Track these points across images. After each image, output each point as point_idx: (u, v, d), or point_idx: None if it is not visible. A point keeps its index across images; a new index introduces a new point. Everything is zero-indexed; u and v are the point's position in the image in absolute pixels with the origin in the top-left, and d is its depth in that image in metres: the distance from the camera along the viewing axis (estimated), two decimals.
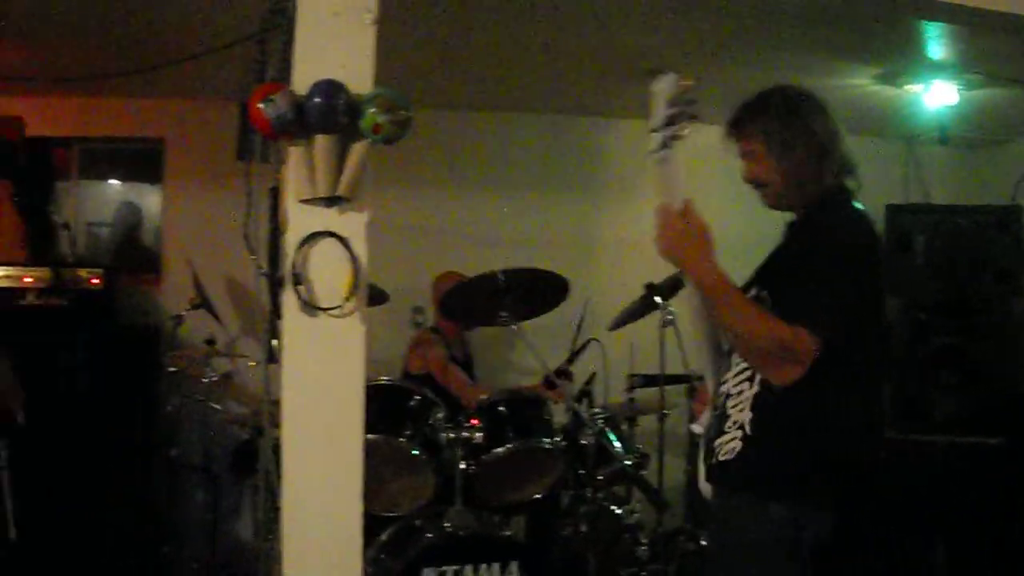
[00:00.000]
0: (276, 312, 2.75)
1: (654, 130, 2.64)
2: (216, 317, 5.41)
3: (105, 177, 6.37)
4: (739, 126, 2.83)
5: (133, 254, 6.28)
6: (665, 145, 2.64)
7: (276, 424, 3.91)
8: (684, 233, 2.69)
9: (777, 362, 2.62)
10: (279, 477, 2.76)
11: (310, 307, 2.65)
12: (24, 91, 5.82)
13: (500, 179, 6.52)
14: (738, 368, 2.81)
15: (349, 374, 2.74)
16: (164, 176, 6.31)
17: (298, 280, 2.65)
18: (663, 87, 2.62)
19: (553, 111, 6.48)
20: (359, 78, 2.73)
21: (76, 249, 6.06)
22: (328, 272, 2.68)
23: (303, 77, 2.72)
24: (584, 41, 4.82)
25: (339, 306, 2.66)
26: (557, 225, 6.47)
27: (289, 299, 2.68)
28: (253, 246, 2.81)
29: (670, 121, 2.61)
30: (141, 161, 6.36)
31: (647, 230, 2.78)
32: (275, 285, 2.74)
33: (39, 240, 6.02)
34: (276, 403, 4.13)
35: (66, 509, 4.99)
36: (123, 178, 6.40)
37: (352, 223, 2.69)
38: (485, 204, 6.48)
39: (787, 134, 2.76)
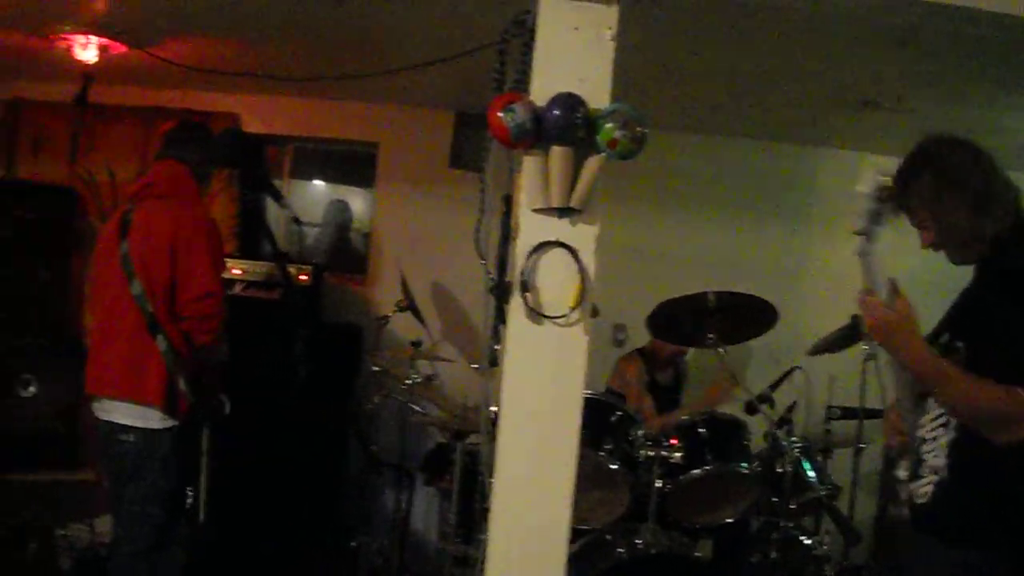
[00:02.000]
0: (501, 318, 2.98)
1: (859, 230, 2.83)
2: (421, 320, 5.76)
3: (316, 178, 6.88)
4: (900, 200, 2.94)
5: (340, 254, 6.75)
6: (868, 239, 2.81)
7: (479, 429, 4.21)
8: (890, 322, 2.86)
9: (1000, 425, 2.73)
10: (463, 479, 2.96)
11: (536, 315, 2.89)
12: (241, 89, 6.39)
13: (710, 202, 6.67)
14: (934, 413, 2.95)
15: (569, 384, 2.96)
16: (376, 180, 6.76)
17: (526, 287, 2.89)
18: (866, 186, 2.80)
19: (766, 137, 6.59)
20: (596, 92, 2.94)
21: (288, 245, 6.57)
22: (555, 281, 2.91)
23: (541, 88, 2.96)
24: (803, 69, 4.91)
25: (564, 315, 2.89)
26: (764, 251, 6.58)
27: (515, 306, 2.92)
28: (483, 252, 3.04)
29: (874, 218, 2.79)
30: (353, 164, 6.84)
31: (854, 261, 2.94)
32: (502, 291, 2.97)
33: (251, 233, 6.60)
34: (474, 409, 4.44)
35: (260, 496, 5.47)
36: (334, 180, 6.90)
37: (582, 235, 2.92)
38: (694, 226, 6.65)
39: (945, 197, 2.89)
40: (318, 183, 6.86)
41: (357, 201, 6.83)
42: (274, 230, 6.59)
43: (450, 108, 6.43)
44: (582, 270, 2.90)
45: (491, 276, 3.05)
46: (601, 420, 4.61)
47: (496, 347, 3.07)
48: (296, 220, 6.26)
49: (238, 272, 5.76)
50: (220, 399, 4.28)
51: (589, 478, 4.50)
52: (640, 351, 5.79)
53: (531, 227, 2.93)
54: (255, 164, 4.04)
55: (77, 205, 6.39)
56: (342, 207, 6.78)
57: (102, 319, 4.23)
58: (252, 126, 6.44)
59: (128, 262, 4.07)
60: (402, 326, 5.90)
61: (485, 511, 3.14)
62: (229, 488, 4.75)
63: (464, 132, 6.46)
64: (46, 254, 6.14)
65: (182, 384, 4.02)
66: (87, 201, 6.51)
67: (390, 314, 5.82)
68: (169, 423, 4.04)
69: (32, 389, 5.82)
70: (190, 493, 4.23)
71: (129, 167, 6.51)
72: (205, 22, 4.95)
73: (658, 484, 4.49)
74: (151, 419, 4.03)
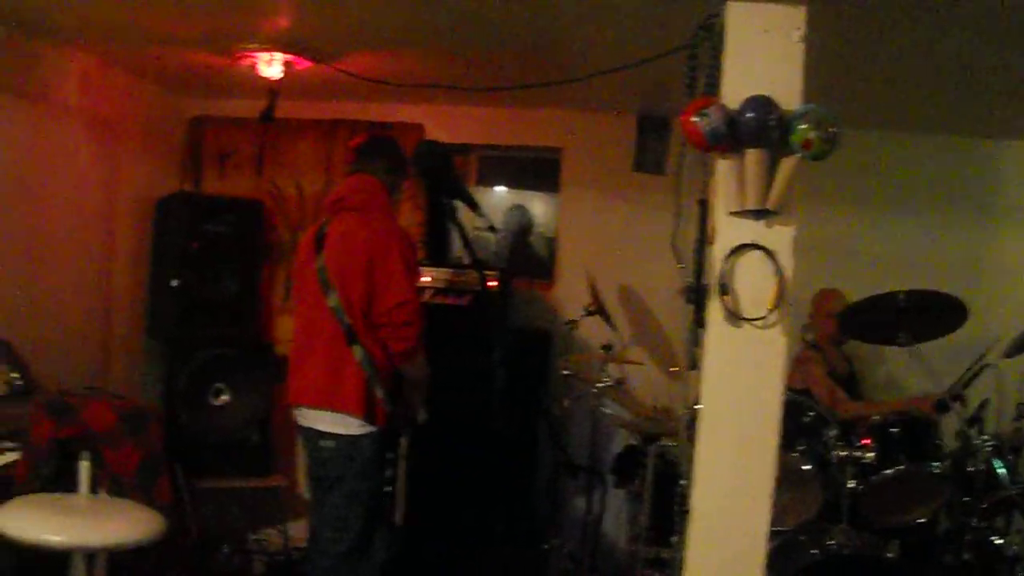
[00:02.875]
0: (699, 321, 3.11)
1: None
2: (611, 324, 5.87)
3: (501, 184, 7.06)
4: None
5: (521, 258, 6.92)
6: None
7: (670, 432, 4.33)
8: None
9: None
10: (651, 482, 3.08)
11: (735, 317, 3.01)
12: (425, 99, 6.58)
13: (897, 199, 6.60)
14: None
15: (768, 385, 3.07)
16: (560, 185, 6.91)
17: (724, 290, 3.01)
18: None
19: (952, 132, 6.50)
20: (787, 94, 3.05)
21: (467, 252, 6.75)
22: (753, 284, 3.02)
23: (732, 92, 3.07)
24: (1000, 60, 4.85)
25: (763, 317, 3.00)
26: (951, 248, 6.49)
27: (714, 309, 3.04)
28: (680, 256, 3.17)
29: None
30: (536, 170, 7.01)
31: None
32: (700, 295, 3.09)
33: (438, 241, 6.81)
34: (665, 411, 4.54)
35: (455, 499, 5.68)
36: (518, 186, 7.07)
37: (779, 237, 3.03)
38: (881, 223, 6.61)
39: None
40: (499, 189, 7.04)
41: (538, 206, 7.00)
42: (452, 237, 6.84)
43: (632, 112, 6.54)
44: (779, 272, 2.99)
45: (689, 280, 3.16)
46: (794, 420, 4.65)
47: (695, 349, 3.17)
48: (492, 228, 6.44)
49: (427, 279, 5.95)
50: (417, 408, 4.49)
51: (782, 479, 4.57)
52: (813, 345, 5.83)
53: (727, 230, 3.05)
54: (451, 173, 4.21)
55: (265, 217, 6.70)
56: (522, 212, 6.96)
57: (301, 332, 4.47)
58: (436, 136, 6.58)
59: (324, 275, 4.29)
60: (590, 330, 6.04)
61: (682, 513, 3.24)
62: (426, 491, 4.96)
63: (646, 136, 6.56)
64: (236, 266, 6.43)
65: (379, 392, 4.23)
66: (274, 213, 6.84)
67: (578, 318, 5.94)
68: (368, 429, 4.24)
69: (225, 398, 6.10)
70: (389, 496, 4.42)
71: (315, 179, 6.82)
72: (388, 35, 5.13)
73: (851, 484, 4.54)
74: (351, 426, 4.24)
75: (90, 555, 3.92)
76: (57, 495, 4.17)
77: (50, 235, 5.72)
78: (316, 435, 4.32)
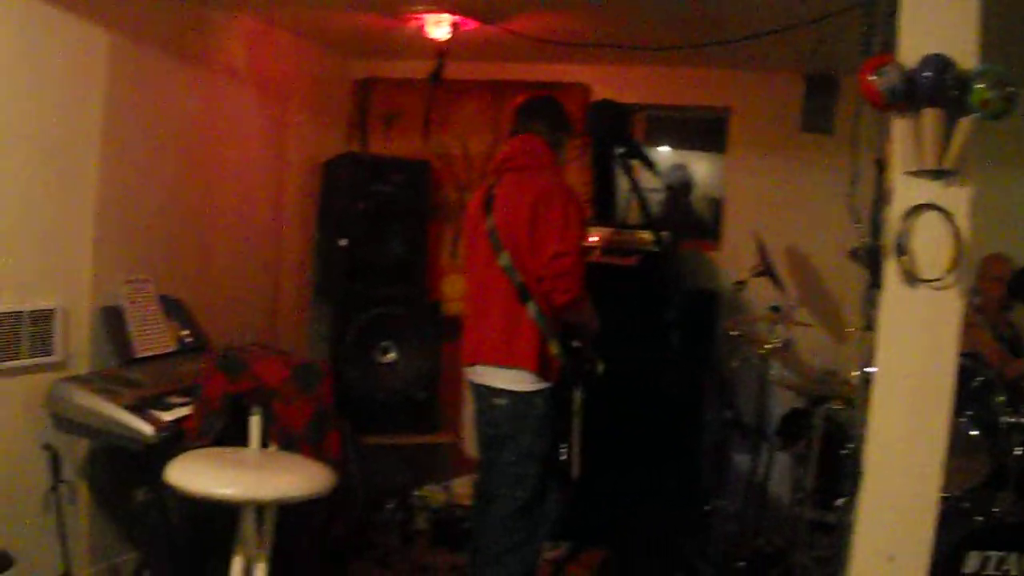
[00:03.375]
0: (875, 282, 3.12)
1: None
2: (779, 285, 5.86)
3: (667, 144, 7.04)
4: None
5: (684, 219, 6.92)
6: None
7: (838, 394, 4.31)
8: None
9: None
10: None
11: (911, 278, 3.01)
12: (590, 60, 6.60)
13: None
14: None
15: (943, 347, 3.06)
16: (727, 145, 6.89)
17: (901, 251, 3.01)
18: None
19: None
20: (964, 53, 3.01)
21: (642, 212, 6.79)
22: (930, 245, 3.01)
23: (908, 50, 3.05)
24: None
25: (939, 279, 2.99)
26: None
27: (890, 270, 3.05)
28: (856, 216, 3.18)
29: None
30: (703, 130, 6.99)
31: None
32: (876, 256, 3.09)
33: (605, 200, 6.85)
34: (832, 373, 4.52)
35: (623, 457, 5.71)
36: (684, 146, 7.04)
37: (956, 197, 3.01)
38: None
39: None
40: (663, 149, 7.03)
41: (702, 166, 6.99)
42: (618, 197, 6.89)
43: (799, 71, 6.49)
44: (957, 233, 2.98)
45: (863, 240, 3.17)
46: (962, 385, 4.58)
47: (870, 311, 3.18)
48: (669, 187, 6.48)
49: (594, 239, 5.99)
50: (591, 361, 4.55)
51: (949, 444, 4.54)
52: (977, 309, 5.73)
53: (904, 190, 3.04)
54: (626, 132, 4.26)
55: (432, 178, 6.82)
56: (683, 171, 6.96)
57: (475, 293, 4.60)
58: (601, 95, 6.57)
59: (495, 235, 4.40)
60: (756, 291, 6.05)
61: (854, 475, 3.25)
62: (595, 448, 5.03)
63: (814, 95, 6.50)
64: (403, 226, 6.57)
65: (553, 348, 4.31)
66: (441, 174, 6.97)
67: (746, 279, 5.96)
68: (541, 385, 4.34)
69: (391, 355, 6.26)
70: (563, 451, 4.49)
71: (482, 140, 6.94)
72: None
73: (1018, 451, 4.47)
74: (524, 381, 4.34)
75: (260, 508, 4.01)
76: (228, 449, 4.30)
77: (222, 196, 5.92)
78: (489, 393, 4.43)
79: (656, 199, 6.73)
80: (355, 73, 7.20)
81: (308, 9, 5.81)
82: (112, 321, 4.87)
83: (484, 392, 4.47)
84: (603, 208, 6.80)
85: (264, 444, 4.47)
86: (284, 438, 4.46)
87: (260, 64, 6.15)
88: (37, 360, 4.51)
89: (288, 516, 4.24)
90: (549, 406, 4.37)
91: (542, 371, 4.32)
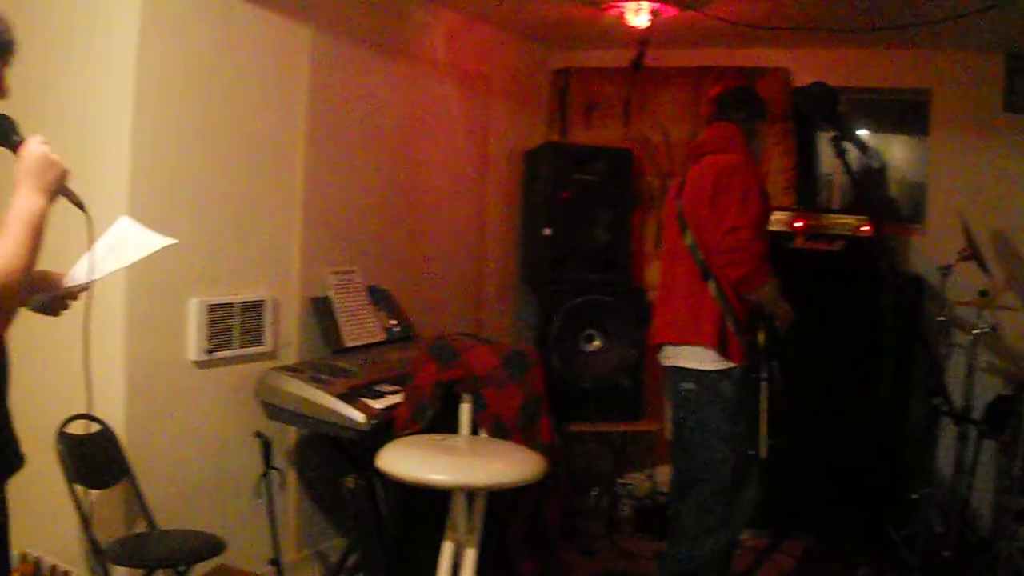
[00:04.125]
0: None
1: None
2: (985, 269, 5.55)
3: (867, 128, 6.76)
4: None
5: (882, 202, 6.63)
6: None
7: None
8: None
9: None
10: None
11: None
12: (789, 43, 6.36)
13: None
14: None
15: None
16: (929, 127, 6.53)
17: None
18: None
19: None
20: None
21: (855, 196, 6.57)
22: None
23: None
24: None
25: None
26: None
27: None
28: None
29: None
30: (903, 112, 6.68)
31: None
32: None
33: (805, 185, 6.65)
34: None
35: (824, 441, 5.56)
36: (884, 129, 6.76)
37: None
38: None
39: None
40: (861, 133, 6.74)
41: (900, 149, 6.69)
42: (821, 181, 6.68)
43: (1000, 50, 6.11)
44: None
45: None
46: None
47: None
48: (882, 170, 6.22)
49: (799, 224, 5.83)
50: (773, 344, 4.35)
51: None
52: None
53: None
54: (837, 115, 4.08)
55: (633, 165, 6.67)
56: (878, 154, 6.66)
57: (664, 273, 4.53)
58: (800, 79, 6.42)
59: (682, 216, 4.34)
60: (962, 275, 5.69)
61: None
62: (801, 435, 4.88)
63: (1017, 75, 6.11)
64: (606, 213, 6.48)
65: (731, 326, 4.17)
66: (643, 161, 6.81)
67: (952, 263, 5.64)
68: (725, 365, 4.20)
69: (596, 343, 6.16)
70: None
71: (682, 127, 6.74)
72: None
73: None
74: (707, 360, 4.22)
75: (471, 494, 3.99)
76: (439, 436, 4.27)
77: (426, 187, 5.90)
78: (678, 375, 4.34)
79: (856, 183, 6.44)
80: (554, 63, 7.14)
81: (508, 0, 5.75)
82: (321, 311, 4.92)
83: (673, 375, 4.38)
84: (806, 193, 6.62)
85: (474, 431, 4.46)
86: (494, 425, 4.44)
87: (461, 56, 6.12)
88: (248, 350, 4.57)
89: (498, 502, 4.22)
90: (738, 388, 4.23)
91: (723, 349, 4.20)
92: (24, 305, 2.50)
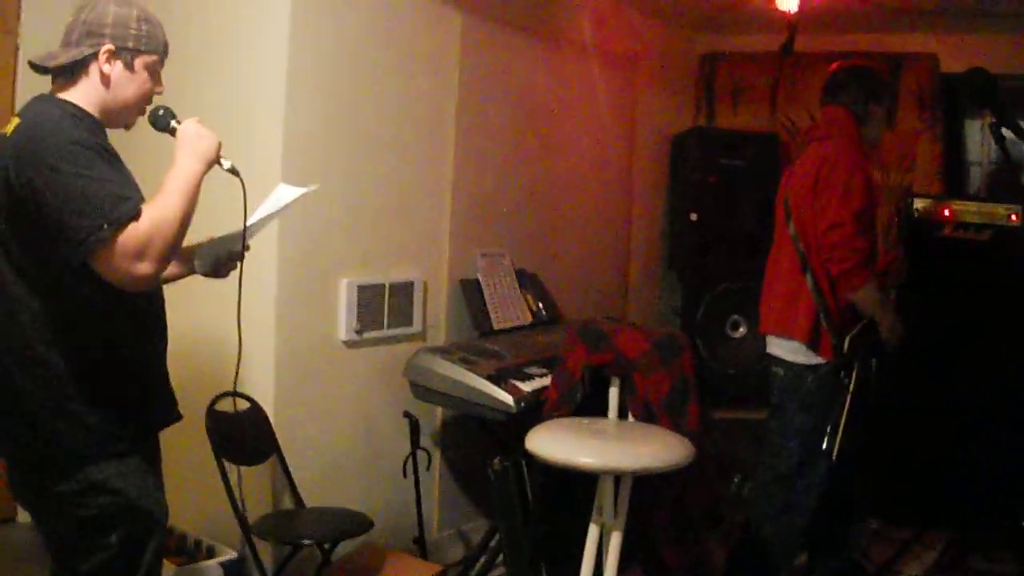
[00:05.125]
0: None
1: None
2: None
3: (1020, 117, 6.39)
4: None
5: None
6: None
7: None
8: None
9: None
10: None
11: None
12: (939, 28, 6.11)
13: None
14: None
15: None
16: None
17: None
18: None
19: None
20: None
21: (990, 184, 6.31)
22: None
23: None
24: None
25: None
26: None
27: None
28: None
29: None
30: None
31: None
32: None
33: (954, 173, 6.36)
34: None
35: (973, 438, 5.26)
36: None
37: None
38: None
39: None
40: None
41: None
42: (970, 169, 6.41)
43: None
44: None
45: None
46: None
47: None
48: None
49: (947, 213, 5.54)
50: (871, 343, 4.10)
51: None
52: None
53: None
54: (999, 101, 3.83)
55: (780, 151, 6.45)
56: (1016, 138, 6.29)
57: (770, 260, 4.38)
58: (949, 65, 6.16)
59: (787, 204, 4.16)
60: None
61: None
62: (945, 430, 4.77)
63: None
64: (753, 199, 6.25)
65: (824, 323, 3.98)
66: (790, 147, 6.54)
67: None
68: (816, 360, 4.03)
69: (742, 330, 6.02)
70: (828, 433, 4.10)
71: None
72: None
73: None
74: (798, 353, 4.07)
75: (617, 478, 3.87)
76: (587, 419, 4.17)
77: (574, 172, 5.80)
78: (771, 361, 4.23)
79: (1015, 171, 6.12)
80: (701, 47, 6.96)
81: None
82: (470, 293, 4.88)
83: (768, 360, 4.27)
84: (954, 181, 6.34)
85: (623, 415, 4.33)
86: (642, 410, 4.29)
87: (609, 40, 5.97)
88: (397, 330, 4.55)
89: (644, 487, 4.09)
90: (822, 383, 4.04)
91: (813, 344, 4.02)
92: (194, 271, 2.80)
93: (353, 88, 4.31)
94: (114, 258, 2.21)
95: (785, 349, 4.13)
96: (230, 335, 2.68)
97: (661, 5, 6.19)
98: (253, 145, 4.00)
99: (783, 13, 5.50)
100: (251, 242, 2.71)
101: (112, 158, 2.37)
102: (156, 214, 2.26)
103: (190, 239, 2.46)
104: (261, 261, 3.70)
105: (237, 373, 2.73)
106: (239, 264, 2.77)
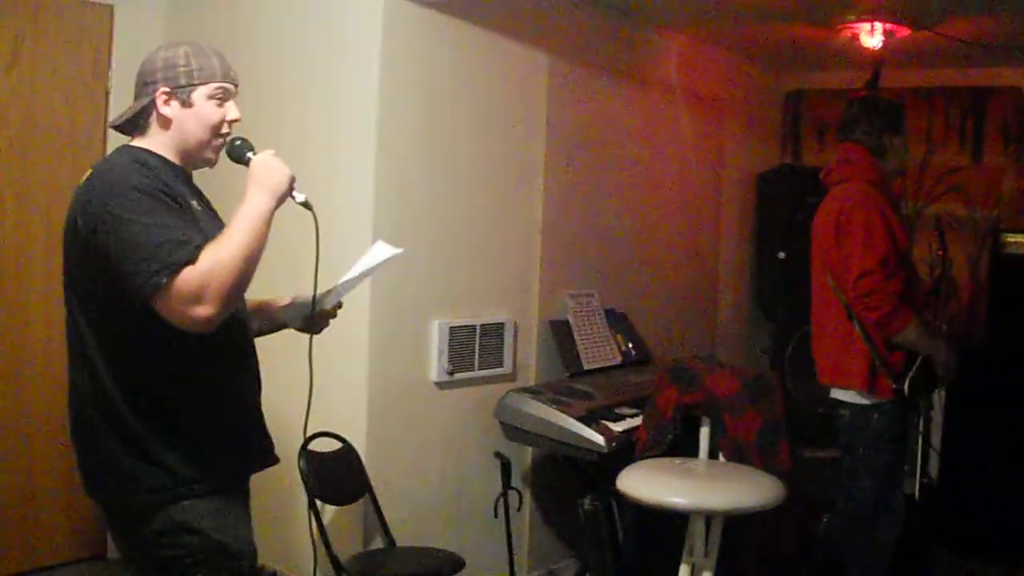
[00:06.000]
0: None
1: None
2: None
3: None
4: None
5: None
6: None
7: None
8: None
9: None
10: None
11: None
12: (1022, 61, 5.93)
13: None
14: None
15: None
16: None
17: None
18: None
19: None
20: None
21: None
22: None
23: None
24: None
25: None
26: None
27: None
28: None
29: None
30: None
31: None
32: None
33: None
34: None
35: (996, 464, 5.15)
36: None
37: None
38: None
39: None
40: None
41: None
42: None
43: None
44: None
45: None
46: None
47: None
48: None
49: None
50: (930, 378, 4.02)
51: None
52: None
53: None
54: None
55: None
56: None
57: (815, 310, 4.26)
58: None
59: (820, 253, 4.10)
60: None
61: None
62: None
63: None
64: None
65: (880, 367, 3.85)
66: None
67: None
68: (879, 399, 3.91)
69: None
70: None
71: (915, 149, 6.27)
72: None
73: None
74: (861, 397, 3.96)
75: (708, 518, 3.87)
76: (678, 459, 4.14)
77: (662, 212, 5.76)
78: (835, 403, 4.11)
79: None
80: (786, 85, 6.92)
81: (741, 24, 5.57)
82: (560, 334, 4.85)
83: (831, 404, 4.15)
84: None
85: (714, 455, 4.30)
86: (733, 449, 4.25)
87: (694, 79, 5.93)
88: (488, 371, 4.53)
89: (735, 527, 4.11)
90: (890, 420, 3.93)
91: (873, 388, 3.91)
92: (290, 326, 2.80)
93: (443, 132, 4.31)
94: (172, 302, 2.22)
95: (845, 394, 4.04)
96: (324, 374, 2.65)
97: (746, 44, 6.14)
98: (345, 188, 4.04)
99: (867, 49, 5.44)
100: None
101: (177, 202, 2.36)
102: (215, 256, 2.24)
103: (274, 278, 2.45)
104: (354, 303, 3.69)
105: (308, 414, 2.66)
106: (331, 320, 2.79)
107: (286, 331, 2.83)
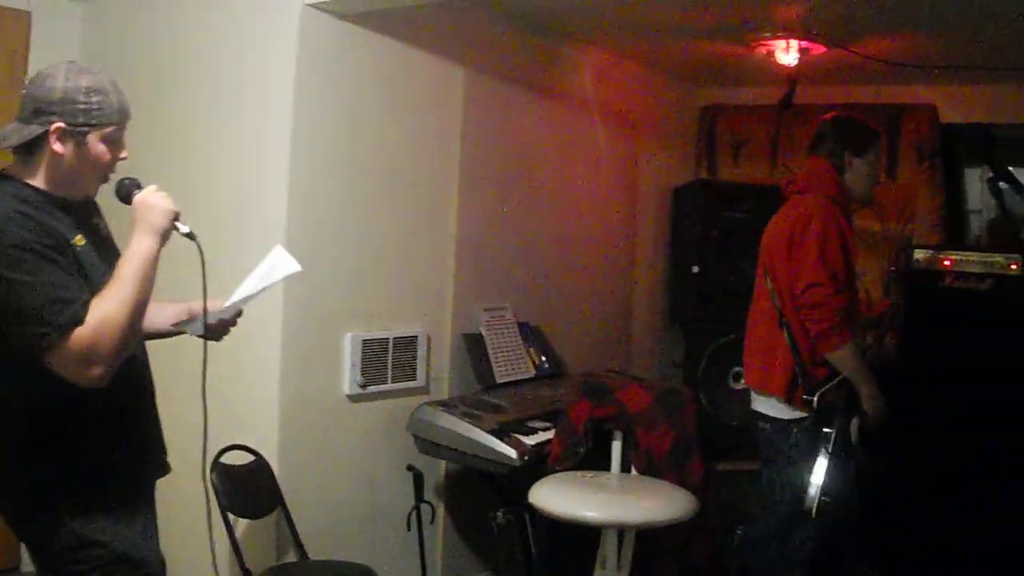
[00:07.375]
0: None
1: None
2: None
3: (1020, 165, 6.38)
4: None
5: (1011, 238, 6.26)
6: None
7: None
8: None
9: None
10: None
11: None
12: (937, 80, 6.09)
13: None
14: None
15: None
16: None
17: None
18: None
19: None
20: None
21: (990, 234, 6.28)
22: None
23: None
24: None
25: None
26: None
27: None
28: None
29: None
30: None
31: None
32: None
33: (954, 223, 6.33)
34: None
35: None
36: None
37: None
38: None
39: None
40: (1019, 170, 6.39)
41: None
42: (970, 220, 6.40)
43: None
44: None
45: None
46: None
47: None
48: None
49: (947, 263, 5.53)
50: (846, 399, 4.00)
51: None
52: None
53: None
54: (994, 153, 3.84)
55: (780, 203, 6.44)
56: (1011, 191, 6.31)
57: (750, 314, 4.32)
58: (948, 115, 6.18)
59: (764, 258, 4.18)
60: None
61: None
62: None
63: None
64: (753, 251, 6.19)
65: (800, 379, 3.92)
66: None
67: None
68: (797, 415, 3.96)
69: (742, 382, 5.99)
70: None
71: None
72: (903, 16, 4.79)
73: None
74: (780, 409, 4.02)
75: (620, 531, 3.92)
76: (590, 473, 4.19)
77: (577, 225, 5.80)
78: (755, 416, 4.18)
79: (1013, 223, 6.15)
80: (702, 101, 6.99)
81: (657, 40, 5.63)
82: (474, 347, 4.88)
83: (753, 415, 4.21)
84: (955, 231, 6.34)
85: (626, 469, 4.37)
86: (646, 463, 4.33)
87: (610, 93, 5.99)
88: (401, 384, 4.54)
89: (647, 540, 4.17)
90: (806, 437, 3.94)
91: (791, 399, 3.97)
92: (184, 332, 2.71)
93: (358, 144, 4.33)
94: (62, 362, 2.24)
95: (766, 405, 4.10)
96: (236, 387, 2.66)
97: (662, 59, 6.20)
98: (257, 200, 4.05)
99: (783, 66, 5.53)
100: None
101: (60, 249, 2.33)
102: (102, 313, 2.25)
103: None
104: (265, 315, 3.72)
105: (206, 428, 2.57)
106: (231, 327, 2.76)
107: (198, 341, 2.83)
